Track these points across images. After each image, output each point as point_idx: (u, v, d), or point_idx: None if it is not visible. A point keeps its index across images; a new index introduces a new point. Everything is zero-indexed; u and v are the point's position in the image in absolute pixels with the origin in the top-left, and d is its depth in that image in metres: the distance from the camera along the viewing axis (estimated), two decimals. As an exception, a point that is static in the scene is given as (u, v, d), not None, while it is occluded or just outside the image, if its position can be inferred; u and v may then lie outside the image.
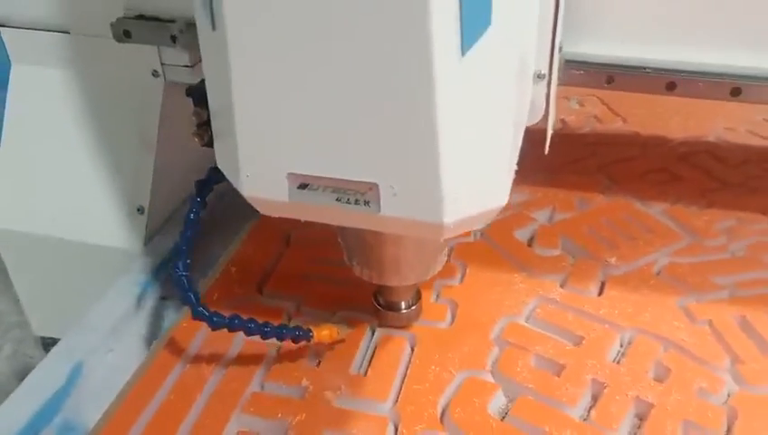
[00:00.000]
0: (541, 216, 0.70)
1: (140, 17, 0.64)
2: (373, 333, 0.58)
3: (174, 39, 0.63)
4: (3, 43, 0.70)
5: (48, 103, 0.71)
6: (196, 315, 0.52)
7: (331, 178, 0.38)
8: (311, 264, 0.65)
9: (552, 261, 0.64)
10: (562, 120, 0.85)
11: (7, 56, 0.70)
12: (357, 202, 0.39)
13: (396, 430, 0.50)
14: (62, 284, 0.73)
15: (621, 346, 0.56)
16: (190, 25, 0.63)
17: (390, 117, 0.35)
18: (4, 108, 0.72)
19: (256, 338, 0.53)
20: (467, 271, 0.63)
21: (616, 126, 0.86)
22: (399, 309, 0.57)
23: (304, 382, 0.53)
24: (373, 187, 0.38)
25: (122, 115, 0.70)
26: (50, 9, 0.67)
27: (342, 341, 0.56)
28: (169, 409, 0.52)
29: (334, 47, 0.34)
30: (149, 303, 0.67)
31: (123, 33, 0.64)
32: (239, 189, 0.42)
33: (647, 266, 0.63)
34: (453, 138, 0.36)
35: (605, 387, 0.52)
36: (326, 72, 0.35)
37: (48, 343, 1.19)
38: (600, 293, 0.61)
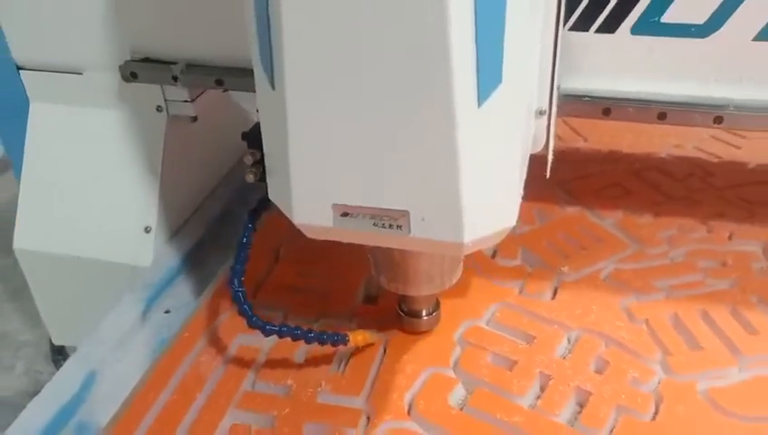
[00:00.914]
0: (504, 229, 0.78)
1: (146, 60, 0.73)
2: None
3: (175, 78, 0.71)
4: (22, 83, 0.78)
5: (63, 136, 0.80)
6: (251, 324, 0.58)
7: (369, 208, 0.46)
8: (295, 277, 0.73)
9: (512, 270, 0.72)
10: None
11: (26, 95, 0.79)
12: (390, 226, 0.47)
13: (368, 420, 0.58)
14: (77, 297, 0.81)
15: (569, 343, 0.64)
16: (190, 66, 0.72)
17: (419, 155, 0.43)
18: (23, 141, 0.81)
19: (300, 342, 0.59)
20: (436, 281, 0.71)
21: (577, 145, 0.94)
22: (421, 316, 0.64)
23: (289, 381, 0.61)
24: (405, 214, 0.46)
25: (130, 146, 0.78)
26: (64, 53, 0.76)
27: (373, 344, 0.63)
28: (172, 407, 0.60)
29: (373, 104, 0.42)
30: (154, 316, 0.75)
31: (130, 74, 0.73)
32: (290, 218, 0.49)
33: (595, 273, 0.70)
34: (471, 172, 0.43)
35: (551, 379, 0.59)
36: (366, 121, 0.43)
37: (58, 359, 1.26)
38: (553, 297, 0.68)
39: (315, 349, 0.64)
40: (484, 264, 0.73)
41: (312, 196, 0.47)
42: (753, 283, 0.68)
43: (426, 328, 0.65)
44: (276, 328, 0.59)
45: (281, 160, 0.47)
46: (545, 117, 0.57)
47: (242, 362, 0.64)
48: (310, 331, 0.59)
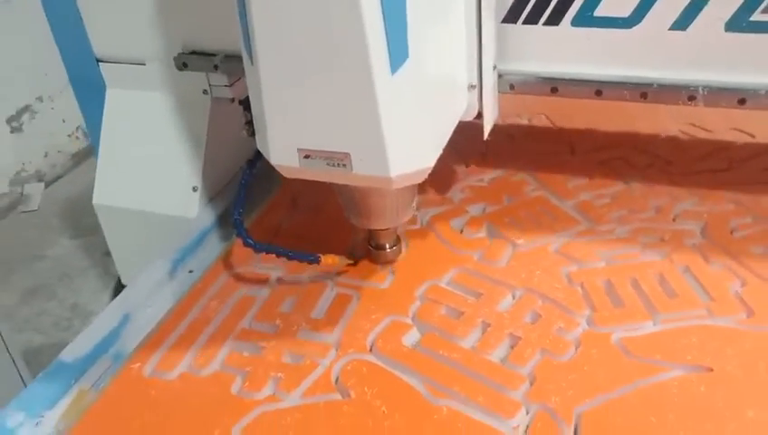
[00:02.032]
0: (474, 209, 0.89)
1: (193, 52, 0.91)
2: (332, 290, 0.79)
3: (216, 67, 0.89)
4: (101, 73, 0.98)
5: (131, 115, 1.00)
6: (246, 244, 0.78)
7: (322, 151, 0.62)
8: (302, 228, 0.88)
9: (475, 242, 0.83)
10: (510, 136, 1.04)
11: (103, 82, 0.99)
12: (338, 165, 0.62)
13: (336, 353, 0.71)
14: (140, 243, 0.99)
15: (513, 299, 0.75)
16: (227, 57, 0.89)
17: (353, 111, 0.59)
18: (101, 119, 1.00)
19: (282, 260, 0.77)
20: (410, 248, 0.83)
21: (550, 141, 1.03)
22: (386, 249, 0.80)
23: (278, 322, 0.75)
24: (347, 155, 0.61)
25: (182, 122, 0.97)
26: (132, 48, 0.95)
27: (353, 264, 0.79)
28: (184, 339, 0.75)
29: (319, 74, 0.58)
30: (179, 274, 0.90)
31: (182, 64, 0.91)
32: (270, 160, 0.65)
33: (546, 245, 0.81)
34: (391, 125, 0.59)
35: (489, 326, 0.71)
36: (315, 87, 0.59)
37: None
38: (506, 264, 0.80)
39: (301, 300, 0.78)
40: (451, 236, 0.85)
41: (282, 143, 0.63)
42: (684, 256, 0.77)
43: (390, 258, 0.80)
44: (264, 247, 0.76)
45: (261, 119, 0.63)
46: (476, 90, 0.72)
47: (242, 308, 0.78)
48: (290, 250, 0.76)
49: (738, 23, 0.70)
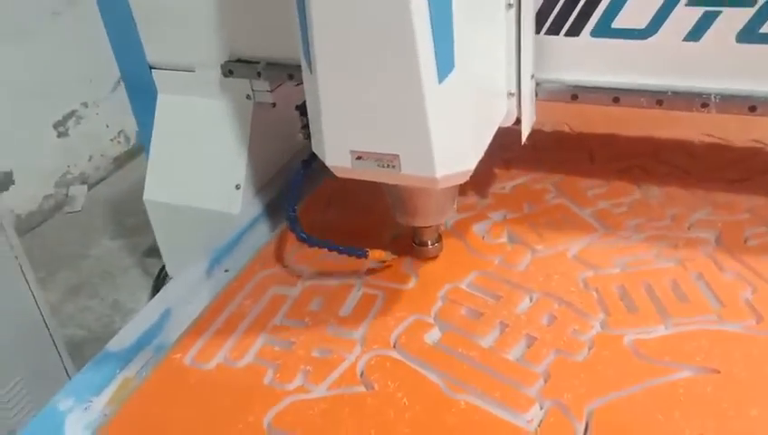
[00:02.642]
0: (496, 216, 0.93)
1: (238, 60, 0.98)
2: (358, 290, 0.84)
3: (259, 74, 0.96)
4: (153, 79, 1.06)
5: (180, 117, 1.08)
6: (299, 238, 0.85)
7: (373, 153, 0.68)
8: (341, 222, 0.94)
9: (496, 247, 0.87)
10: (533, 145, 1.07)
11: (155, 87, 1.06)
12: (388, 166, 0.68)
13: (361, 347, 0.75)
14: (186, 236, 1.06)
15: (530, 301, 0.78)
16: (269, 65, 0.96)
17: (404, 116, 0.65)
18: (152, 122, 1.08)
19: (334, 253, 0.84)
20: (432, 252, 0.88)
21: (571, 150, 1.06)
22: (428, 245, 0.86)
23: (307, 319, 0.80)
24: (396, 156, 0.67)
25: (226, 124, 1.04)
26: (182, 57, 1.03)
27: (390, 265, 0.85)
28: (220, 333, 0.81)
29: (374, 82, 0.64)
30: (216, 273, 0.96)
31: (228, 71, 0.98)
32: (325, 161, 0.71)
33: (564, 251, 0.85)
34: (438, 129, 0.65)
35: (507, 326, 0.75)
36: (370, 94, 0.65)
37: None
38: (525, 269, 0.83)
39: (330, 299, 0.83)
40: (473, 241, 0.89)
41: (337, 146, 0.69)
42: (698, 263, 0.80)
43: (432, 254, 0.86)
44: (316, 241, 0.84)
45: (317, 123, 0.70)
46: (515, 98, 0.78)
47: (274, 306, 0.84)
48: (340, 245, 0.82)
49: (748, 34, 0.73)
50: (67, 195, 2.74)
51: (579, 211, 0.92)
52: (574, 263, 0.83)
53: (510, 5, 0.75)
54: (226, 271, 0.96)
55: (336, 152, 0.69)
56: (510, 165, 1.03)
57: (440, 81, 0.63)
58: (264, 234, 1.00)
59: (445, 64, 0.63)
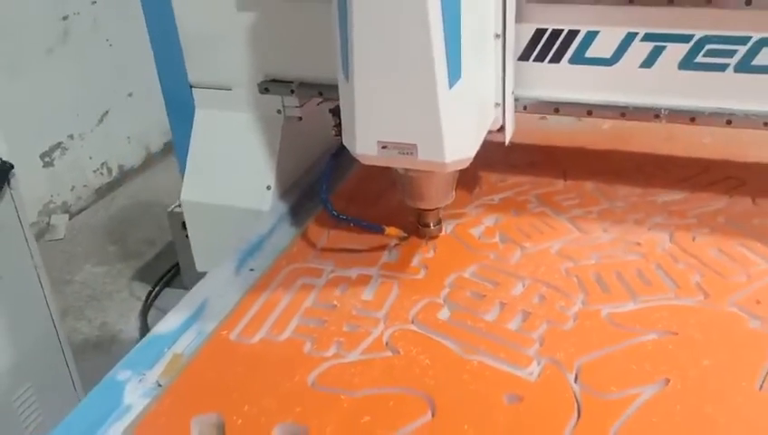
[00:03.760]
0: (489, 221, 1.09)
1: (273, 80, 1.15)
2: (376, 280, 0.98)
3: (292, 91, 1.13)
4: (192, 95, 1.20)
5: (216, 130, 1.22)
6: (331, 214, 1.05)
7: (396, 142, 0.86)
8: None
9: (490, 245, 1.03)
10: (515, 166, 1.25)
11: (193, 104, 1.21)
12: (407, 153, 0.86)
13: (384, 323, 0.89)
14: (218, 233, 1.17)
15: (523, 286, 0.94)
16: (301, 84, 1.13)
17: (421, 113, 0.83)
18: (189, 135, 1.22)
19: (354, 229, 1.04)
20: (437, 249, 1.03)
21: (551, 172, 1.25)
22: (430, 226, 1.03)
23: (335, 302, 0.94)
24: (414, 146, 0.85)
25: (259, 135, 1.20)
26: (221, 77, 1.19)
27: (406, 238, 1.03)
28: (259, 315, 0.93)
29: (399, 88, 0.82)
30: (243, 272, 1.09)
31: (264, 89, 1.14)
32: (355, 151, 0.89)
33: (547, 248, 1.01)
34: (448, 124, 0.83)
35: (506, 305, 0.90)
36: (394, 96, 0.83)
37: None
38: (516, 262, 0.99)
39: (352, 287, 0.97)
40: (471, 241, 1.05)
41: (366, 137, 0.87)
42: (656, 256, 0.97)
43: (434, 234, 1.04)
44: (344, 217, 1.04)
45: (351, 120, 0.87)
46: (501, 108, 0.98)
47: (304, 293, 0.97)
48: (363, 221, 1.03)
49: (687, 63, 0.96)
50: (49, 223, 2.80)
51: (557, 217, 1.09)
52: (557, 257, 0.99)
53: (497, 36, 0.95)
54: (252, 270, 1.09)
55: (365, 143, 0.87)
56: (497, 182, 1.20)
57: (450, 87, 0.82)
58: (286, 235, 1.13)
59: (454, 75, 0.83)
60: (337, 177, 1.15)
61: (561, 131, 1.34)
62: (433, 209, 1.03)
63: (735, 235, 1.01)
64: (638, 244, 1.01)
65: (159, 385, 0.87)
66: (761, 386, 0.75)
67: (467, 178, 1.13)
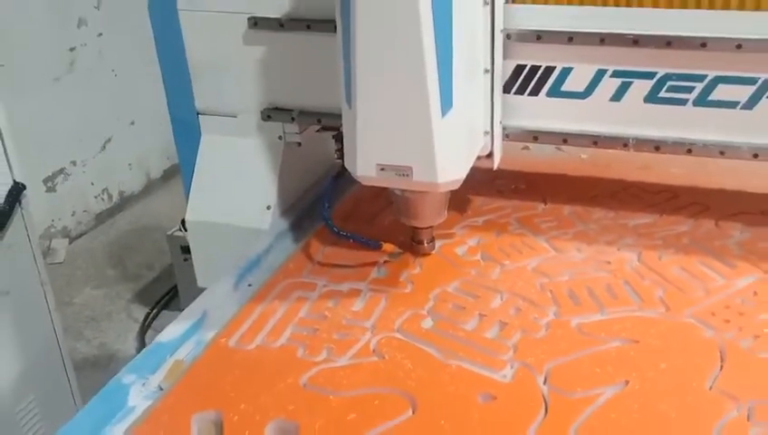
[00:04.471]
0: (472, 241, 1.18)
1: (275, 108, 1.24)
2: (366, 294, 1.05)
3: (293, 119, 1.22)
4: (199, 121, 1.29)
5: (221, 153, 1.31)
6: (332, 231, 1.14)
7: (393, 165, 0.95)
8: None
9: (473, 262, 1.11)
10: (500, 192, 1.33)
11: (199, 129, 1.29)
12: (403, 175, 0.95)
13: (372, 332, 0.96)
14: (220, 250, 1.25)
15: (501, 300, 1.02)
16: (301, 112, 1.22)
17: (416, 140, 0.93)
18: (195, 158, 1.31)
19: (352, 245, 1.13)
20: (424, 266, 1.11)
21: (531, 198, 1.33)
22: (423, 244, 1.12)
23: (326, 313, 1.01)
24: (410, 168, 0.94)
25: (260, 159, 1.28)
26: (227, 105, 1.28)
27: (401, 253, 1.11)
28: (256, 323, 1.00)
29: (396, 118, 0.93)
30: (241, 287, 1.16)
31: (267, 116, 1.24)
32: (356, 173, 0.98)
33: (525, 265, 1.09)
34: (440, 150, 0.93)
35: (485, 316, 0.98)
36: (393, 126, 0.94)
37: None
38: (496, 277, 1.07)
39: (343, 300, 1.04)
40: (455, 259, 1.13)
41: (366, 160, 0.96)
42: (625, 273, 1.05)
43: (426, 252, 1.12)
44: (343, 233, 1.13)
45: (352, 144, 0.96)
46: (489, 136, 1.08)
47: (298, 305, 1.04)
48: (359, 237, 1.11)
49: (652, 97, 1.06)
50: (49, 247, 2.86)
51: (535, 238, 1.17)
52: (533, 273, 1.07)
53: (486, 71, 1.05)
54: (249, 285, 1.16)
55: (365, 165, 0.97)
56: (482, 205, 1.28)
57: (443, 115, 0.92)
58: (283, 253, 1.21)
59: (446, 105, 0.92)
60: (334, 198, 1.25)
61: (544, 161, 1.43)
62: (427, 228, 1.11)
63: (697, 254, 1.09)
64: (609, 262, 1.09)
65: (161, 389, 0.94)
66: (711, 386, 0.83)
67: (455, 202, 1.21)
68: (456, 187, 1.00)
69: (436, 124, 0.91)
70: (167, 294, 2.45)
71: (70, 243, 2.92)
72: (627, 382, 0.84)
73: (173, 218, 2.31)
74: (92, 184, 3.01)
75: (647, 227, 1.19)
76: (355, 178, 1.00)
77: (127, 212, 3.11)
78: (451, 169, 0.96)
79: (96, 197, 3.06)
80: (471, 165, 1.03)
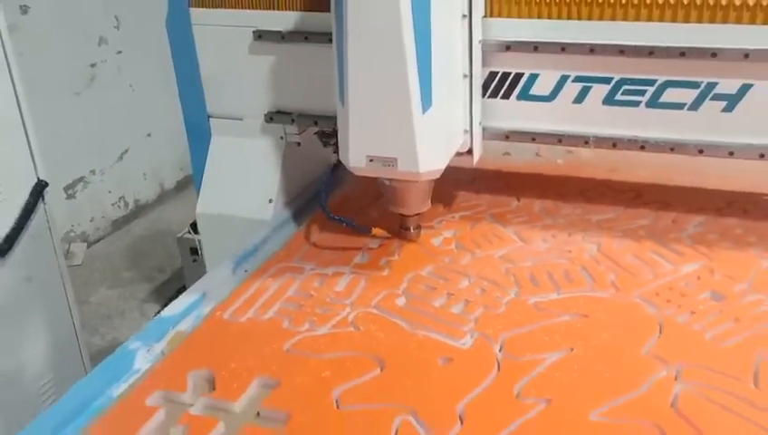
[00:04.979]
0: (447, 233, 1.29)
1: (277, 112, 1.37)
2: (348, 275, 1.17)
3: (293, 121, 1.36)
4: (210, 124, 1.42)
5: (229, 153, 1.44)
6: (328, 217, 1.28)
7: (380, 156, 1.09)
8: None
9: (447, 251, 1.23)
10: (477, 191, 1.45)
11: (210, 132, 1.43)
12: (389, 165, 1.09)
13: (350, 308, 1.08)
14: (227, 239, 1.37)
15: (468, 282, 1.13)
16: (300, 115, 1.36)
17: (400, 134, 1.07)
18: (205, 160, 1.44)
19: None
20: (402, 254, 1.22)
21: (504, 196, 1.45)
22: (410, 230, 1.25)
23: (312, 292, 1.13)
24: (395, 159, 1.08)
25: (265, 158, 1.41)
26: (234, 109, 1.41)
27: (388, 238, 1.24)
28: (249, 300, 1.12)
29: (384, 115, 1.08)
30: (238, 272, 1.28)
31: (269, 118, 1.37)
32: (348, 164, 1.12)
33: (493, 253, 1.20)
34: (422, 142, 1.07)
35: (452, 295, 1.09)
36: (381, 122, 1.08)
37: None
38: (467, 263, 1.18)
39: (328, 281, 1.16)
40: (431, 248, 1.24)
41: (358, 152, 1.10)
42: (583, 261, 1.16)
43: (413, 238, 1.25)
44: (338, 218, 1.26)
45: (345, 138, 1.10)
46: (469, 134, 1.21)
47: (287, 284, 1.16)
48: (354, 222, 1.24)
49: (609, 99, 1.18)
50: (68, 251, 3.01)
51: (505, 230, 1.28)
52: (500, 260, 1.18)
53: (465, 76, 1.17)
54: (246, 271, 1.28)
55: (356, 157, 1.10)
56: (461, 202, 1.40)
57: (423, 113, 1.05)
58: (277, 243, 1.34)
59: (426, 103, 1.06)
60: (330, 188, 1.37)
61: (522, 165, 1.54)
62: (413, 215, 1.24)
63: (652, 245, 1.20)
64: (570, 251, 1.19)
65: (163, 354, 1.06)
66: (645, 352, 0.93)
67: (436, 199, 1.33)
68: (436, 176, 1.12)
69: (418, 121, 1.04)
70: (176, 293, 2.58)
71: (88, 247, 3.07)
72: (571, 349, 0.95)
73: (185, 226, 2.45)
74: (110, 192, 3.17)
75: (609, 221, 1.29)
76: (348, 168, 1.14)
77: (142, 219, 3.26)
78: (431, 161, 1.10)
79: (113, 204, 3.21)
80: (450, 158, 1.16)
